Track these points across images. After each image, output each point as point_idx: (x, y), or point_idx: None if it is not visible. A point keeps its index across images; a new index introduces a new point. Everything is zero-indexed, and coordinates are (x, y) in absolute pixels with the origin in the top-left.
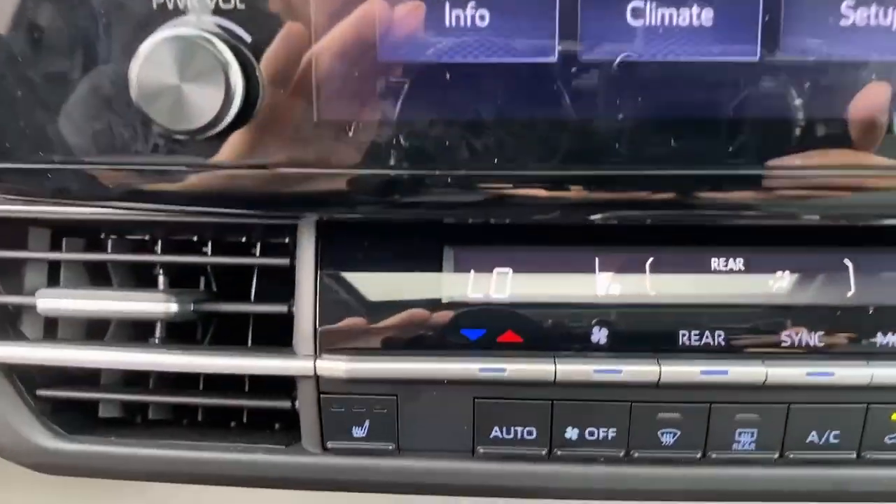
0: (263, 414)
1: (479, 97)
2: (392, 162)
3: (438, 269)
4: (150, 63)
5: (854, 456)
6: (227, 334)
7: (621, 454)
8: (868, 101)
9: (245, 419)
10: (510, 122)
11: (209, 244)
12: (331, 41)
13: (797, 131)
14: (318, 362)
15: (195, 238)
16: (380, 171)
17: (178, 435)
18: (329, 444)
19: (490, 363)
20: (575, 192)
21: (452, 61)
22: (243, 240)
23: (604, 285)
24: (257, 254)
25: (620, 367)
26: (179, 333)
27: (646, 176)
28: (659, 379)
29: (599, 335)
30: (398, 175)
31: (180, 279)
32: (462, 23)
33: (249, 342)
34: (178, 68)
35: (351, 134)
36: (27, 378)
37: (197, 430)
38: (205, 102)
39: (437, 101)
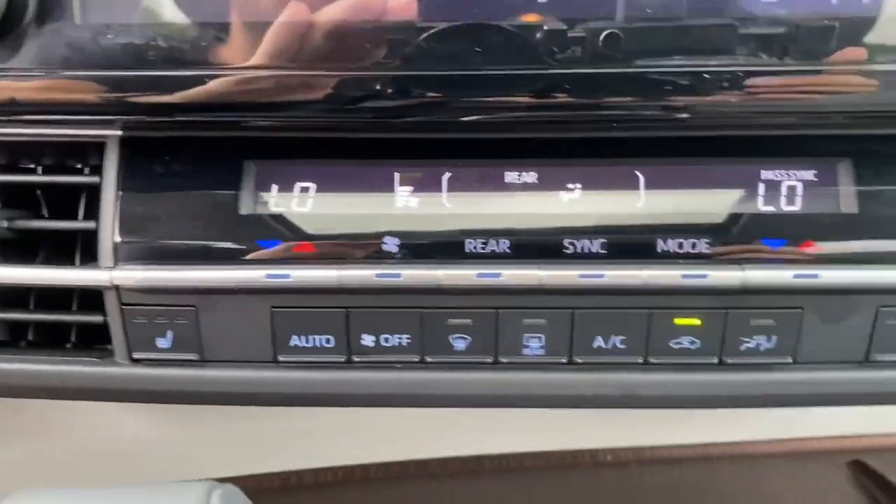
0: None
1: None
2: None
3: (238, 182)
4: None
5: (641, 361)
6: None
7: (416, 360)
8: None
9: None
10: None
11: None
12: None
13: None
14: (114, 272)
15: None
16: (154, 74)
17: (16, 352)
18: (136, 356)
19: (276, 270)
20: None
21: None
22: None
23: (401, 198)
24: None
25: (400, 272)
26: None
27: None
28: (438, 284)
29: (390, 244)
30: (192, 77)
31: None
32: None
33: (78, 261)
34: None
35: (111, 36)
36: None
37: (35, 348)
38: None
39: None
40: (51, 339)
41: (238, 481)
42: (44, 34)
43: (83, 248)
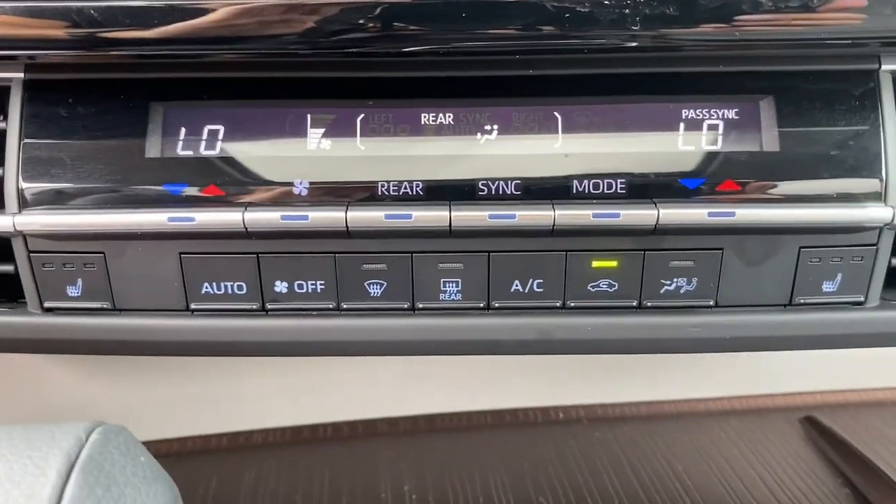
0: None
1: None
2: None
3: (144, 125)
4: None
5: (559, 305)
6: None
7: (331, 306)
8: None
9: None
10: None
11: None
12: None
13: None
14: (19, 218)
15: None
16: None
17: None
18: (46, 304)
19: (180, 213)
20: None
21: None
22: None
23: (312, 141)
24: None
25: (308, 213)
26: None
27: None
28: (347, 225)
29: (300, 187)
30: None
31: None
32: None
33: None
34: None
35: None
36: None
37: None
38: None
39: None
40: None
41: (184, 442)
42: None
43: None
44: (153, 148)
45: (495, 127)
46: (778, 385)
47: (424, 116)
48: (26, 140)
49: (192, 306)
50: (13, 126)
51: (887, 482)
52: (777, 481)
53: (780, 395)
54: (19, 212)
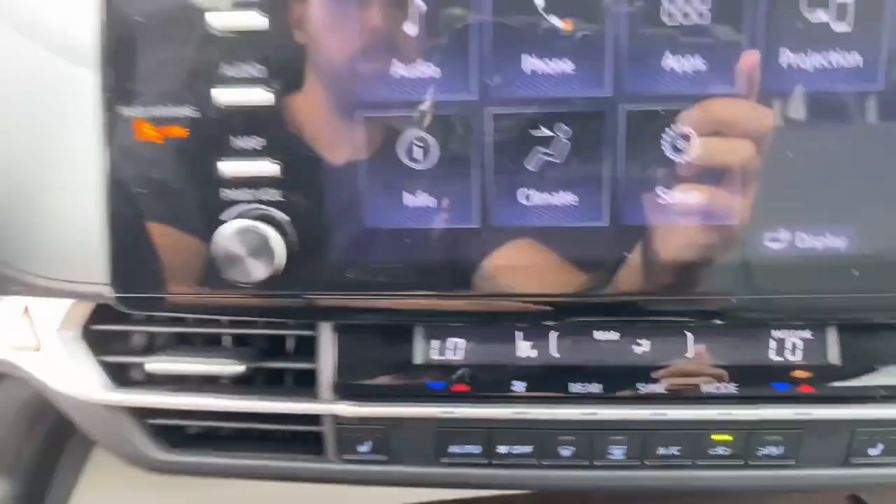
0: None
1: None
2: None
3: (411, 340)
4: (224, 241)
5: (690, 463)
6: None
7: (535, 462)
8: None
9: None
10: None
11: None
12: None
13: None
14: (334, 406)
15: None
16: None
17: (240, 446)
18: (344, 457)
19: (446, 407)
20: None
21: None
22: None
23: (522, 351)
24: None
25: (528, 411)
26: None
27: None
28: (555, 417)
29: (518, 387)
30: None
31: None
32: None
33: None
34: (243, 246)
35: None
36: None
37: (248, 441)
38: (258, 269)
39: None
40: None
41: None
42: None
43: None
44: (419, 356)
45: (647, 342)
46: None
47: (597, 333)
48: (339, 346)
49: (442, 460)
50: (326, 333)
51: None
52: None
53: None
54: (333, 401)
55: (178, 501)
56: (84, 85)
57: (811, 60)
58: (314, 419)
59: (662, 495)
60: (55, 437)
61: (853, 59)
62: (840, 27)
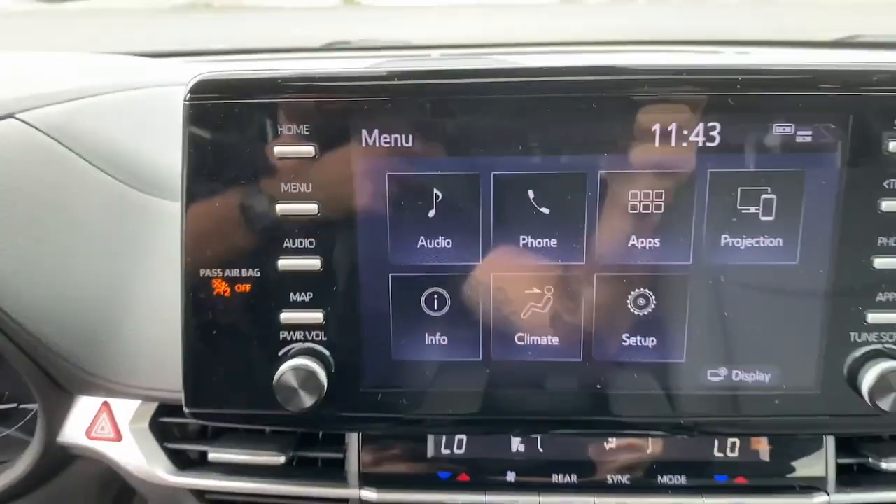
0: None
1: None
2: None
3: (425, 442)
4: (283, 380)
5: None
6: None
7: None
8: None
9: None
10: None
11: None
12: None
13: None
14: (363, 492)
15: None
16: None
17: None
18: None
19: (452, 495)
20: None
21: None
22: None
23: (514, 446)
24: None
25: (518, 499)
26: None
27: None
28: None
29: (510, 476)
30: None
31: None
32: None
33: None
34: (296, 380)
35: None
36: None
37: None
38: (307, 400)
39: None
40: None
41: None
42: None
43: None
44: (431, 452)
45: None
46: None
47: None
48: (362, 446)
49: None
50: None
51: None
52: None
53: None
54: (360, 487)
55: None
56: (162, 215)
57: (744, 242)
58: (344, 500)
59: None
60: (120, 499)
61: (776, 241)
62: (766, 218)
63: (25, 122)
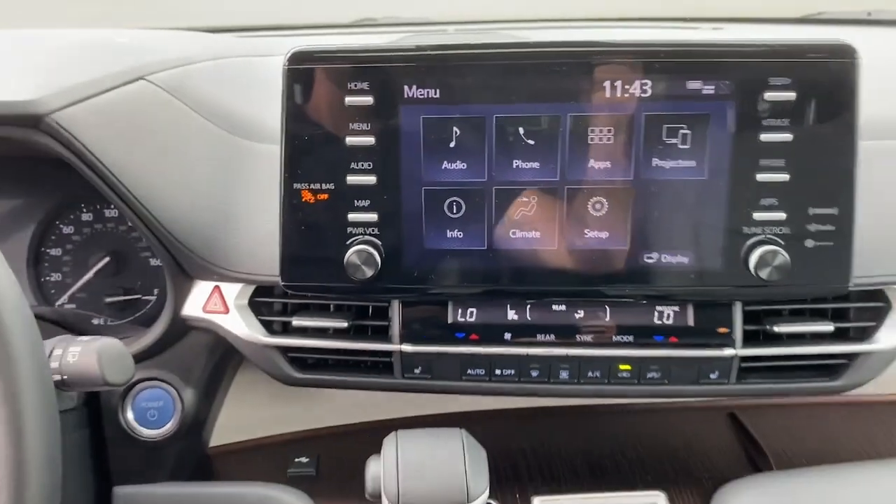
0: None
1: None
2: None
3: (447, 310)
4: (351, 257)
5: (607, 381)
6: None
7: (516, 380)
8: None
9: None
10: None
11: None
12: None
13: None
14: (402, 346)
15: None
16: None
17: (341, 370)
18: (405, 375)
19: (465, 348)
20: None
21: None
22: None
23: (511, 316)
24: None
25: (512, 350)
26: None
27: None
28: (529, 353)
29: (508, 336)
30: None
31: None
32: None
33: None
34: (359, 259)
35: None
36: (283, 347)
37: (346, 366)
38: (368, 272)
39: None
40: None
41: None
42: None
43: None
44: (450, 318)
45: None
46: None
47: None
48: (403, 312)
49: (463, 377)
50: (395, 301)
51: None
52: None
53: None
54: (399, 343)
55: (292, 409)
56: (264, 153)
57: (668, 163)
58: (388, 354)
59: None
60: (221, 363)
61: (690, 163)
62: (683, 146)
63: (152, 83)
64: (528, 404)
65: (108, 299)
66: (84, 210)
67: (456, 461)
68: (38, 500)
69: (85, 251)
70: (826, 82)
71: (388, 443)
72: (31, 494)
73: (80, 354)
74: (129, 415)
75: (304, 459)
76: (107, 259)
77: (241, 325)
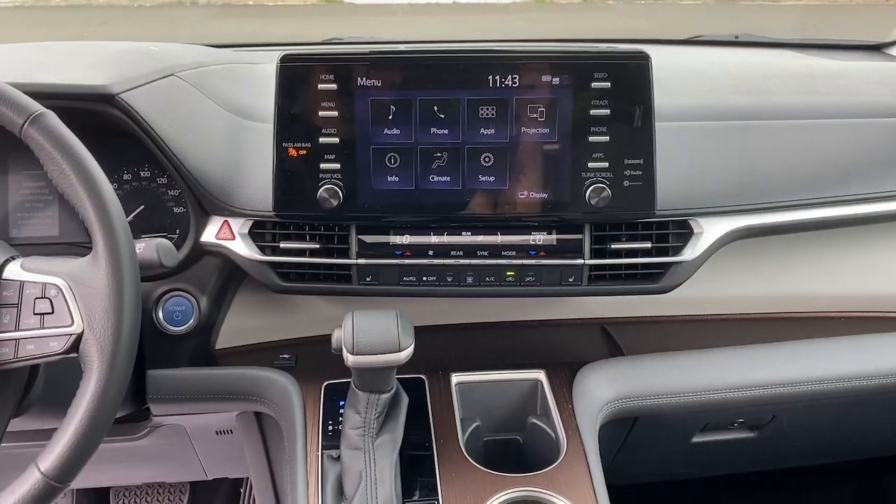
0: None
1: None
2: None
3: (388, 234)
4: (321, 193)
5: (499, 284)
6: None
7: (438, 284)
8: None
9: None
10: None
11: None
12: None
13: None
14: (358, 261)
15: None
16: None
17: (315, 280)
18: (360, 283)
19: (401, 261)
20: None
21: None
22: None
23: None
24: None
25: (434, 261)
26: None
27: None
28: (445, 264)
29: (431, 253)
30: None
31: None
32: None
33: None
34: (327, 194)
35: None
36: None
37: (318, 277)
38: (334, 203)
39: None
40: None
41: None
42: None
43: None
44: (391, 240)
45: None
46: (589, 310)
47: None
48: (358, 235)
49: (400, 283)
50: (353, 227)
51: None
52: None
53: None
54: (357, 258)
55: (277, 320)
56: (259, 128)
57: (531, 130)
58: (348, 267)
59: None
60: (227, 279)
61: (546, 130)
62: (541, 119)
63: (180, 78)
64: (460, 321)
65: (143, 237)
66: (125, 172)
67: (391, 325)
68: (130, 339)
69: (125, 202)
70: (630, 76)
71: (347, 316)
72: (125, 331)
73: (144, 248)
74: (160, 315)
75: (286, 356)
76: (142, 207)
77: (243, 247)
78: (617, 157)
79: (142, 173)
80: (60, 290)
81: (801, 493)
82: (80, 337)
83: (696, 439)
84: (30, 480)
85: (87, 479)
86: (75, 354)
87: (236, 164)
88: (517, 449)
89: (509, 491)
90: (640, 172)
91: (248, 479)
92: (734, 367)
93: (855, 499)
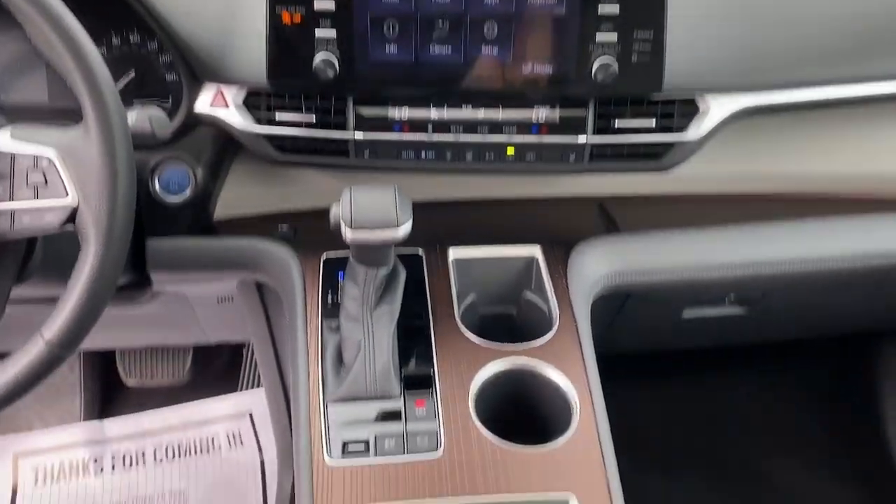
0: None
1: None
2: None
3: (387, 106)
4: (317, 63)
5: (499, 161)
6: None
7: (436, 160)
8: None
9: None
10: None
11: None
12: None
13: None
14: (357, 133)
15: None
16: None
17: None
18: (358, 157)
19: (400, 135)
20: None
21: None
22: None
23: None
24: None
25: (434, 137)
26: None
27: None
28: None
29: (430, 128)
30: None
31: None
32: None
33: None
34: (325, 65)
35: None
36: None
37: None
38: (331, 73)
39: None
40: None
41: None
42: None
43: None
44: (390, 114)
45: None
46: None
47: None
48: (356, 107)
49: (399, 158)
50: (350, 100)
51: None
52: None
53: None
54: (354, 132)
55: (282, 189)
56: None
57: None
58: (345, 142)
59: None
60: (223, 150)
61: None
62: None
63: None
64: (458, 196)
65: (136, 101)
66: (114, 35)
67: (389, 200)
68: (125, 211)
69: (115, 67)
70: None
71: (345, 191)
72: (120, 204)
73: (136, 119)
74: (157, 185)
75: (284, 227)
76: (133, 74)
77: (238, 118)
78: (626, 30)
79: (131, 38)
80: (53, 162)
81: (785, 365)
82: (75, 210)
83: (686, 315)
84: (35, 348)
85: (93, 340)
86: (72, 227)
87: (231, 28)
88: (511, 322)
89: (501, 359)
90: (649, 47)
91: (249, 343)
92: (728, 245)
93: (838, 373)
